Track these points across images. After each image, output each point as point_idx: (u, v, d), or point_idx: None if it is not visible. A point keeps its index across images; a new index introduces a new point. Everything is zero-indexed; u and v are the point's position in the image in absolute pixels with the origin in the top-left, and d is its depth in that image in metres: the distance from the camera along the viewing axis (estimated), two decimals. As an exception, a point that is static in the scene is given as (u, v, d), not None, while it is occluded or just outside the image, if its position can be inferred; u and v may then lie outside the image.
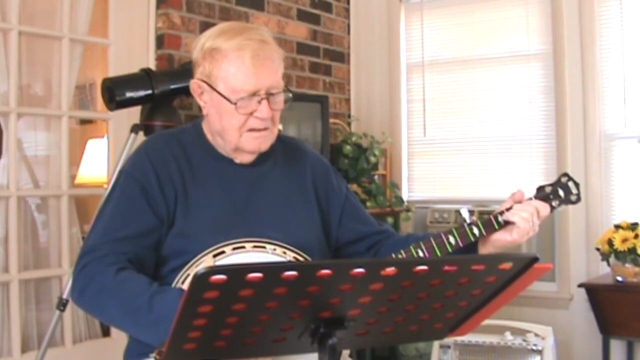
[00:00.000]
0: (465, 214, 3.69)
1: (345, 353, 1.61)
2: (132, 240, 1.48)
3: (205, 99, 1.58)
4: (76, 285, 1.47)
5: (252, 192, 1.60)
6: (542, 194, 1.76)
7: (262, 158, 1.64)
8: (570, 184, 1.80)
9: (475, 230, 1.62)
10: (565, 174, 1.82)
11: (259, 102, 1.51)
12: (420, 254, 1.60)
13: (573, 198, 1.80)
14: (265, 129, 1.55)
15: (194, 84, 1.58)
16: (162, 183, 1.53)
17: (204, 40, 1.55)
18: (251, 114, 1.52)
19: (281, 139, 1.70)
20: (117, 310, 1.39)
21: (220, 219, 1.54)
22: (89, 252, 1.48)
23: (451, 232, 1.62)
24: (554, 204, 1.76)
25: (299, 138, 1.86)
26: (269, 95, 1.52)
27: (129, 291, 1.38)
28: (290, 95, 1.58)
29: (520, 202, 1.64)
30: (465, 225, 1.63)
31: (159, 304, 1.33)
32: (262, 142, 1.57)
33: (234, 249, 1.49)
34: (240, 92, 1.50)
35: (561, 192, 1.77)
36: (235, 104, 1.51)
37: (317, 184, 1.70)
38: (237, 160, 1.61)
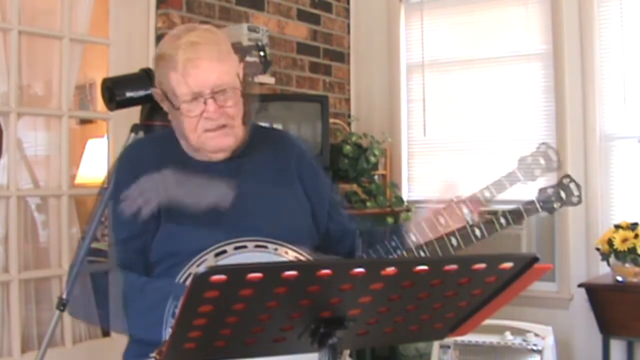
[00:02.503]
0: (467, 215, 3.70)
1: (345, 353, 1.61)
2: (117, 246, 1.51)
3: (165, 105, 1.58)
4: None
5: (234, 186, 1.58)
6: (544, 195, 1.77)
7: (241, 152, 1.62)
8: (572, 185, 1.81)
9: (477, 232, 1.62)
10: (567, 176, 1.82)
11: (205, 102, 1.49)
12: (412, 237, 1.61)
13: (574, 200, 1.80)
14: (222, 126, 1.53)
15: (154, 92, 1.60)
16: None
17: (157, 47, 1.58)
18: (201, 114, 1.51)
19: (265, 130, 1.70)
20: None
21: (204, 217, 1.53)
22: None
23: (453, 234, 1.62)
24: (555, 205, 1.76)
25: (286, 130, 1.84)
26: (214, 94, 1.50)
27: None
28: (238, 86, 1.54)
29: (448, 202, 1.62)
30: (468, 227, 1.64)
31: (151, 291, 1.35)
32: (222, 140, 1.55)
33: (236, 248, 1.49)
34: (181, 96, 1.49)
35: (563, 194, 1.78)
36: (178, 109, 1.51)
37: (304, 175, 1.68)
38: (213, 159, 1.59)
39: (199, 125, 1.52)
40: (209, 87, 1.49)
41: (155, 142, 1.65)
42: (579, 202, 1.81)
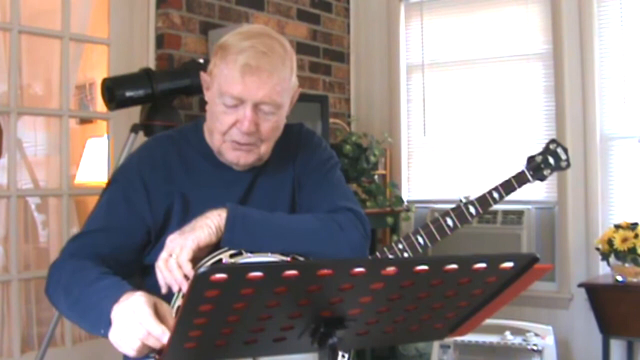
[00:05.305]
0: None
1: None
2: (108, 232, 1.45)
3: (207, 94, 1.56)
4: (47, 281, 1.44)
5: (248, 195, 1.56)
6: (533, 164, 1.78)
7: (260, 165, 1.58)
8: (559, 150, 1.81)
9: (472, 209, 1.63)
10: (553, 140, 1.83)
11: (243, 114, 1.45)
12: (420, 240, 1.60)
13: (563, 164, 1.81)
14: (249, 144, 1.49)
15: (202, 76, 1.56)
16: (149, 191, 1.49)
17: (226, 35, 1.53)
18: (235, 123, 1.47)
19: (286, 132, 1.61)
20: (66, 302, 1.37)
21: None
22: (64, 247, 1.47)
23: (448, 214, 1.62)
24: (545, 172, 1.77)
25: (304, 126, 1.72)
26: (256, 109, 1.45)
27: (76, 281, 1.35)
28: (284, 110, 1.50)
29: None
30: (462, 205, 1.64)
31: (91, 292, 1.32)
32: (243, 156, 1.51)
33: (231, 256, 1.45)
34: (224, 97, 1.45)
35: (551, 160, 1.79)
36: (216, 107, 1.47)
37: (302, 183, 1.62)
38: (232, 165, 1.56)
39: (229, 132, 1.48)
40: (253, 99, 1.44)
41: (172, 140, 1.59)
42: (568, 165, 1.82)
